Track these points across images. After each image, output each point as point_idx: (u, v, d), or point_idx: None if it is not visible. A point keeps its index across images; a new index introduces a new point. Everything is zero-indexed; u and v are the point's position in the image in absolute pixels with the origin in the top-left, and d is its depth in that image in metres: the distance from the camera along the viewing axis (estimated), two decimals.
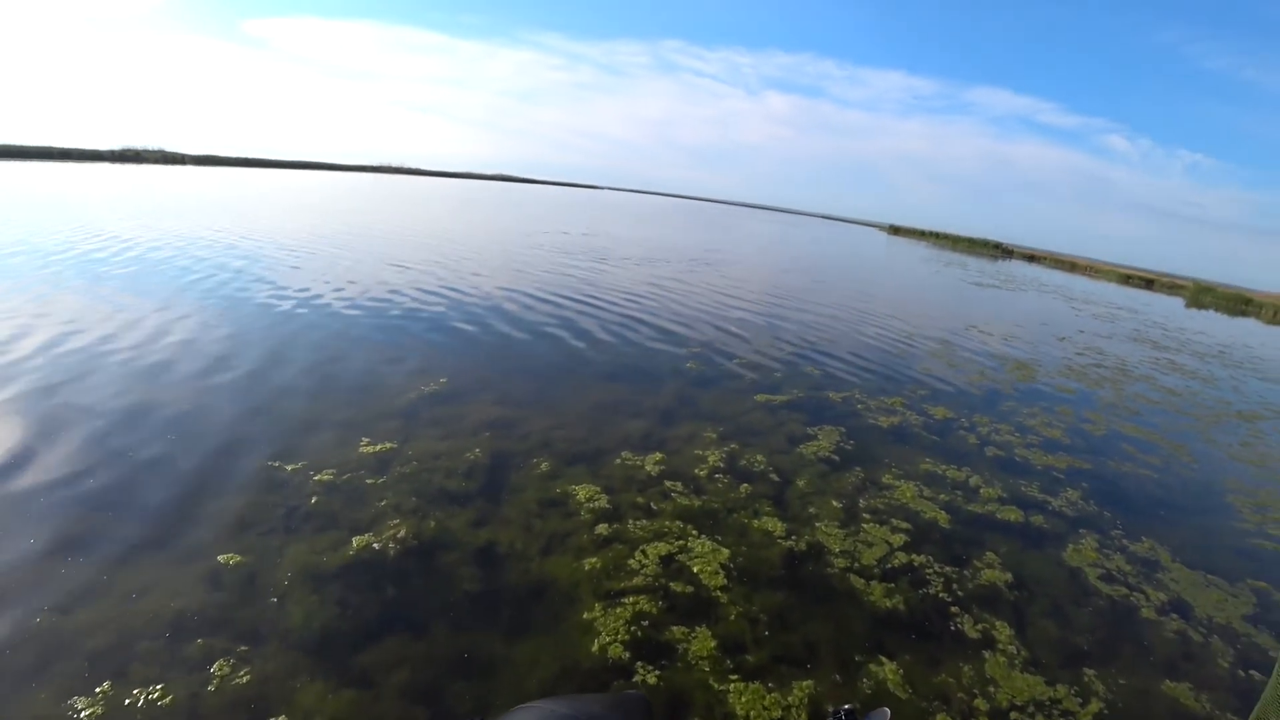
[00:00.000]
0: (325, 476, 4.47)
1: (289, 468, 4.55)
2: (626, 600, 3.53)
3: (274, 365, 6.71)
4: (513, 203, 51.19)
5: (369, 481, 4.46)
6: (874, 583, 3.95)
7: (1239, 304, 44.30)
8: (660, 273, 17.00)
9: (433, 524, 4.03)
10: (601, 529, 4.15)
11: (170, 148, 56.54)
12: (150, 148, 54.31)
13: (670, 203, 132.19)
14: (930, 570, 4.16)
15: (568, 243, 22.55)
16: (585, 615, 3.41)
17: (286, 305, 9.41)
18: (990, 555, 4.46)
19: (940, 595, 3.93)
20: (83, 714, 2.52)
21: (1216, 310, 39.37)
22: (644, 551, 3.96)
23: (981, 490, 5.48)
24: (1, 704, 2.58)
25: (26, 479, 4.09)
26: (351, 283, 11.43)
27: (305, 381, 6.33)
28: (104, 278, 9.82)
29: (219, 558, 3.58)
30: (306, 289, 10.68)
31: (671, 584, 3.71)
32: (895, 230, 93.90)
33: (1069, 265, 66.04)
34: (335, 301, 9.92)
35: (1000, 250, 74.47)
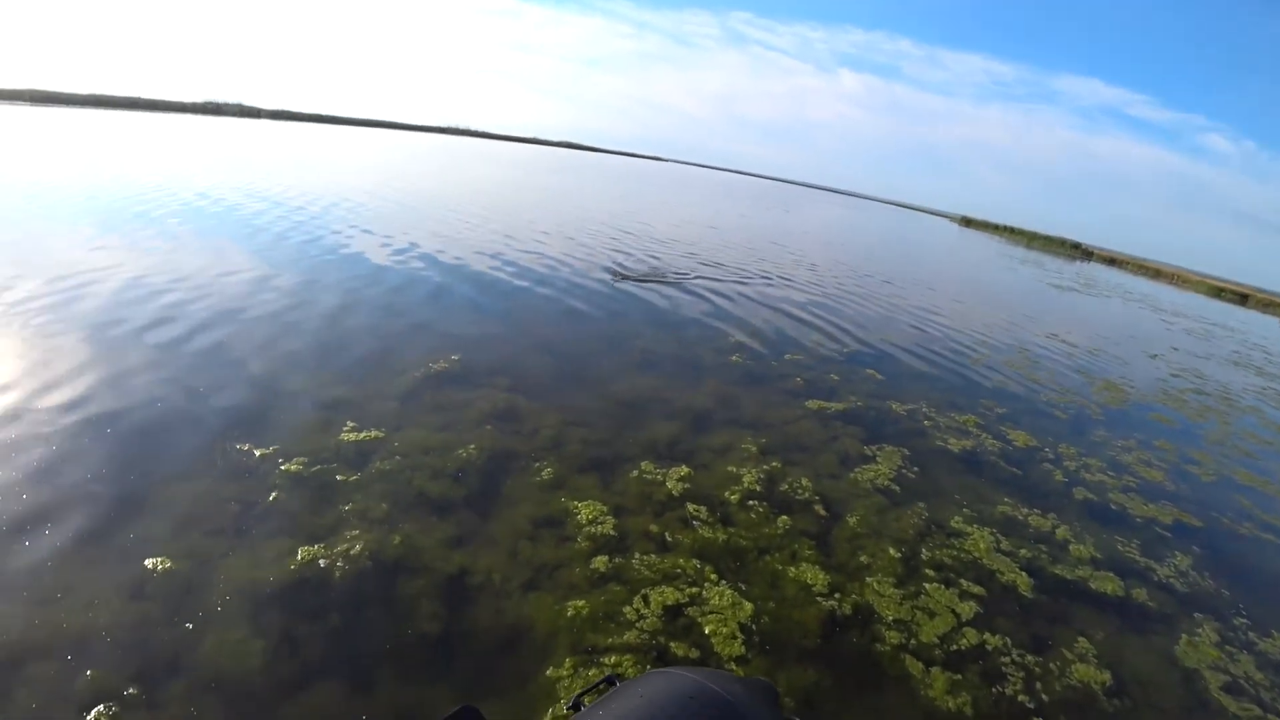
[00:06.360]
0: (293, 467, 3.89)
1: (258, 452, 4.00)
2: (606, 662, 2.81)
3: (286, 323, 6.30)
4: (584, 170, 50.42)
5: (339, 478, 3.85)
6: (934, 670, 3.10)
7: None
8: (718, 253, 15.94)
9: (399, 540, 3.38)
10: (599, 563, 3.41)
11: (248, 102, 58.61)
12: (229, 102, 56.45)
13: (736, 179, 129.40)
14: (1007, 659, 3.27)
15: (627, 214, 21.68)
16: (550, 672, 2.72)
17: (321, 258, 9.16)
18: (1083, 642, 3.52)
19: (1019, 698, 3.05)
20: None
21: None
22: (645, 598, 3.21)
23: (1071, 547, 4.49)
24: None
25: None
26: (399, 243, 11.03)
27: (312, 345, 5.85)
28: (153, 221, 9.79)
29: (147, 562, 3.02)
30: (349, 243, 10.37)
31: (673, 644, 2.97)
32: (967, 222, 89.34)
33: (1153, 272, 61.35)
34: (376, 258, 9.58)
35: (1079, 251, 69.79)
